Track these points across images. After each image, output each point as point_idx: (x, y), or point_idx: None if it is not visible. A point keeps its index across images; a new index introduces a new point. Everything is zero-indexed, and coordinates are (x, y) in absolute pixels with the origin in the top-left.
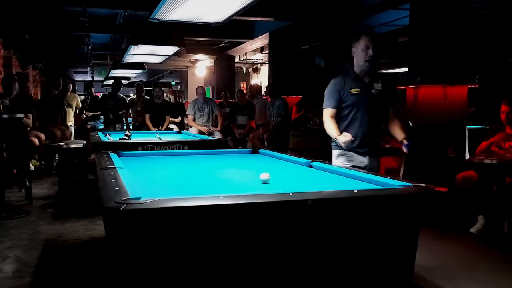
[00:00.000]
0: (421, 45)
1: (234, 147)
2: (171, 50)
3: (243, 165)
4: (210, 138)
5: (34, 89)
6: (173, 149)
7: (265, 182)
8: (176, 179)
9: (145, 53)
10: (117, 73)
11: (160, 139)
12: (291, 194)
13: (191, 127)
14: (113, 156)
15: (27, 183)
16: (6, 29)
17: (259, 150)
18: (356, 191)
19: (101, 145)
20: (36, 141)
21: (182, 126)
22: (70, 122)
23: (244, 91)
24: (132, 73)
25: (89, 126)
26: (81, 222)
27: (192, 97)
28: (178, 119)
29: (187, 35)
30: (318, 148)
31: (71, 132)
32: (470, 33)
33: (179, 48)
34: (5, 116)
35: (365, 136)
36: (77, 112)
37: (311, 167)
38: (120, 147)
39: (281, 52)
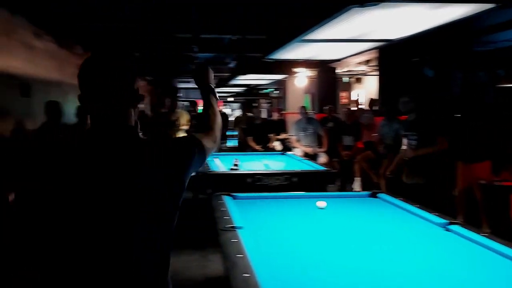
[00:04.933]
0: None
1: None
2: (278, 76)
3: (364, 220)
4: (317, 168)
5: None
6: (281, 181)
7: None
8: (298, 247)
9: (251, 79)
10: None
11: (266, 166)
12: None
13: (295, 148)
14: (229, 202)
15: None
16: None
17: (378, 195)
18: None
19: (214, 177)
20: None
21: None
22: None
23: (342, 101)
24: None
25: None
26: (194, 256)
27: (290, 107)
28: (282, 136)
29: None
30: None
31: None
32: None
33: (286, 76)
34: None
35: None
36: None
37: (447, 230)
38: (230, 179)
39: (391, 66)
